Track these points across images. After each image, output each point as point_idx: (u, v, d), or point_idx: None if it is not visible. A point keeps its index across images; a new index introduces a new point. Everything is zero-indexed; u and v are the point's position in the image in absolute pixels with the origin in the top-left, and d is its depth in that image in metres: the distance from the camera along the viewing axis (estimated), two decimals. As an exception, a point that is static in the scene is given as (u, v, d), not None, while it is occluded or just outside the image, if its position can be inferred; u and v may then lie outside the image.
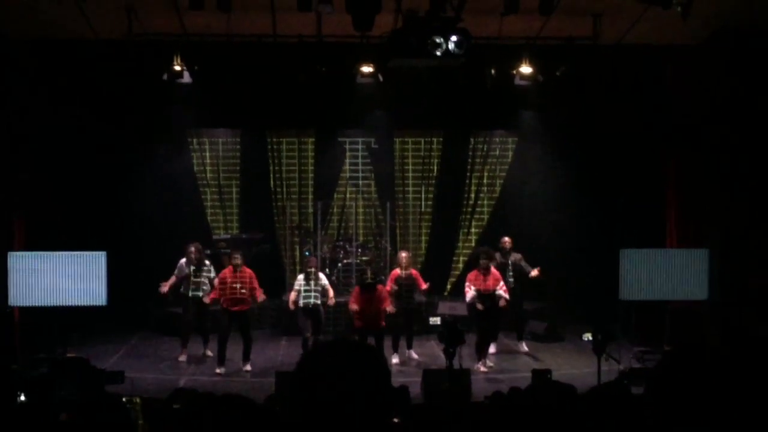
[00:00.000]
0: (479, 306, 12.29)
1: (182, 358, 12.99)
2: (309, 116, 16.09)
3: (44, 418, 5.35)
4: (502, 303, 12.50)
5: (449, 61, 9.97)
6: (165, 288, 12.73)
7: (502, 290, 12.49)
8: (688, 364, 2.36)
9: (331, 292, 12.57)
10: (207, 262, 13.00)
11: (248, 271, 12.31)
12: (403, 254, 13.12)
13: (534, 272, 13.22)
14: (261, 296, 12.28)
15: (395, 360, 12.71)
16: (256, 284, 12.29)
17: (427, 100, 15.56)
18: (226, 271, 12.34)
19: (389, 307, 12.36)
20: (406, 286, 12.74)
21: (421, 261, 16.55)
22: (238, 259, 12.31)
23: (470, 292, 12.37)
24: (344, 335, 13.46)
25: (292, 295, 12.54)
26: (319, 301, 12.53)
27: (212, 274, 12.84)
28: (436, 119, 16.38)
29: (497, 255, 13.27)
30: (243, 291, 12.20)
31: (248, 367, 12.35)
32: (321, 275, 12.72)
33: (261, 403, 6.78)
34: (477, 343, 12.38)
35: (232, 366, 12.42)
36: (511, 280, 13.49)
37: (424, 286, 12.76)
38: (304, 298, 12.49)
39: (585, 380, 10.49)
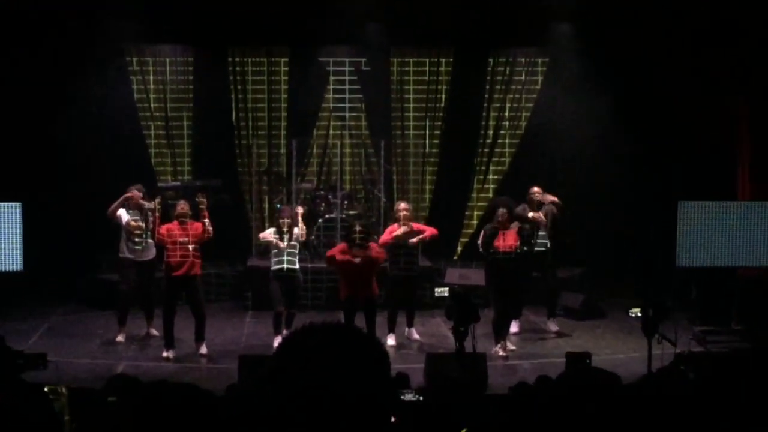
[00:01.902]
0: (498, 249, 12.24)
1: (120, 338, 13.03)
2: (282, 29, 15.97)
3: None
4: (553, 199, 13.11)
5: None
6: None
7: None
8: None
9: (300, 230, 12.71)
10: (150, 206, 12.92)
11: (197, 224, 12.27)
12: (402, 205, 13.12)
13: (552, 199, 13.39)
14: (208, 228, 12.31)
15: (391, 342, 12.76)
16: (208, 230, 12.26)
17: (433, 9, 15.42)
18: (171, 226, 12.30)
19: (381, 254, 12.38)
20: (405, 247, 12.75)
21: (424, 216, 16.56)
22: (184, 208, 12.26)
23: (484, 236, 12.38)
24: (327, 312, 13.51)
25: (266, 234, 12.60)
26: (295, 266, 12.55)
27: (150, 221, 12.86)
28: (445, 34, 16.26)
29: (523, 209, 13.23)
30: (193, 250, 12.14)
31: (203, 350, 12.40)
32: (297, 229, 12.68)
33: (220, 395, 6.81)
34: (494, 321, 12.42)
35: (184, 348, 12.47)
36: (544, 240, 13.48)
37: (429, 231, 12.86)
38: (276, 262, 12.50)
39: (632, 367, 10.58)
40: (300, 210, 13.18)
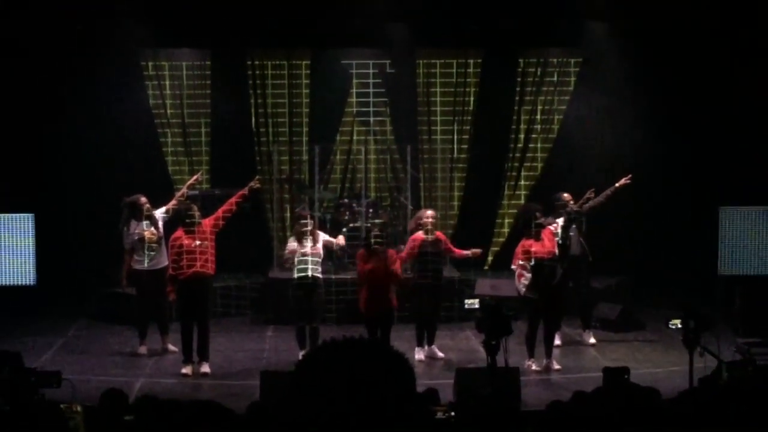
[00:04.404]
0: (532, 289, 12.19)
1: (142, 350, 13.12)
2: (303, 30, 16.00)
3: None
4: (622, 181, 13.14)
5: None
6: (125, 282, 13.07)
7: (559, 221, 12.54)
8: None
9: (338, 240, 12.94)
10: (157, 213, 13.02)
11: (205, 221, 12.27)
12: (429, 212, 13.10)
13: (622, 181, 13.31)
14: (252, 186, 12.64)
15: (420, 356, 12.74)
16: (227, 205, 12.41)
17: (461, 8, 15.42)
18: (178, 233, 12.27)
19: (398, 270, 12.29)
20: (432, 255, 12.73)
21: (453, 224, 16.54)
22: (194, 211, 12.26)
23: (523, 277, 12.21)
24: (351, 325, 13.49)
25: (289, 250, 12.64)
26: (319, 273, 12.53)
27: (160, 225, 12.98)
28: (474, 34, 16.25)
29: (550, 219, 13.14)
30: (203, 248, 12.09)
31: (204, 369, 12.29)
32: (320, 234, 12.72)
33: (241, 414, 6.82)
34: (527, 334, 12.39)
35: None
36: (580, 241, 13.40)
37: (459, 251, 12.84)
38: (299, 270, 12.48)
39: (673, 382, 10.52)
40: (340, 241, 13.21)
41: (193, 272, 12.06)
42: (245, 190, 12.60)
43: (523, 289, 12.22)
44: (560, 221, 12.62)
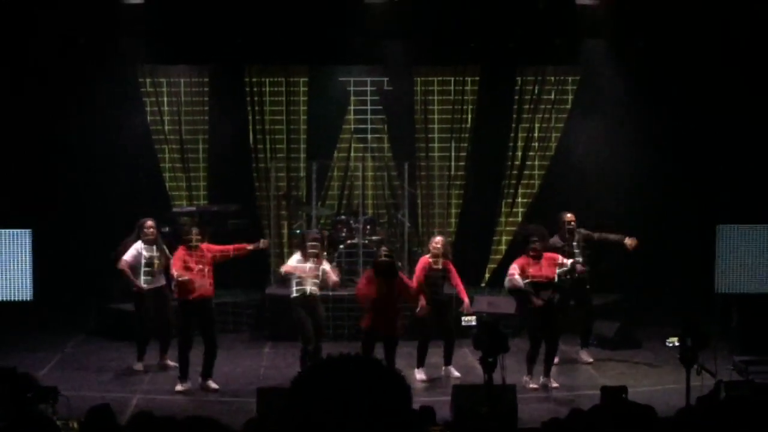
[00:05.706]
0: (537, 301, 12.18)
1: (138, 366, 13.10)
2: (300, 48, 16.04)
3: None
4: (579, 269, 12.67)
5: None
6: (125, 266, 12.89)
7: (567, 262, 12.48)
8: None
9: (333, 276, 12.62)
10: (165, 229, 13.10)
11: (204, 247, 12.30)
12: (437, 239, 13.08)
13: (631, 244, 13.22)
14: (257, 246, 12.66)
15: (421, 376, 12.65)
16: (228, 248, 12.48)
17: (458, 25, 15.46)
18: (180, 253, 12.29)
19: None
20: (433, 284, 12.68)
21: (450, 242, 16.54)
22: (192, 235, 12.29)
23: (516, 277, 12.28)
24: (349, 342, 13.49)
25: (288, 267, 12.60)
26: (317, 290, 12.52)
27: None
28: (471, 51, 16.30)
29: (555, 239, 13.20)
30: (203, 272, 12.11)
31: (213, 385, 12.34)
32: (325, 262, 12.72)
33: (238, 430, 6.82)
34: (529, 353, 12.37)
35: (200, 380, 12.48)
36: (580, 264, 13.44)
37: (461, 289, 12.85)
38: (297, 286, 12.46)
39: (669, 400, 10.51)
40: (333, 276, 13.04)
41: (195, 296, 12.10)
42: (248, 247, 12.63)
43: (519, 281, 12.23)
44: (569, 261, 12.59)
